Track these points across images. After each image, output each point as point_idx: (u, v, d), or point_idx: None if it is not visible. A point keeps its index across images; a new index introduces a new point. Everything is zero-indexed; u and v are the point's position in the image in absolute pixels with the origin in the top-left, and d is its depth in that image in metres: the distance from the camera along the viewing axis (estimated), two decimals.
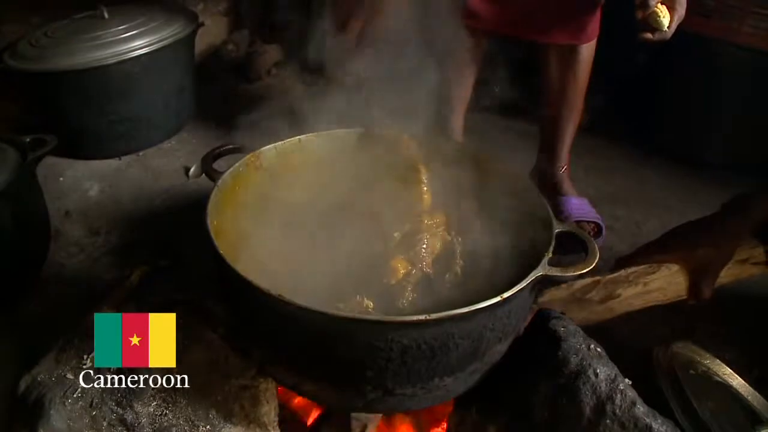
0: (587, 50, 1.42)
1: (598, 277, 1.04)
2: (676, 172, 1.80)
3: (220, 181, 0.92)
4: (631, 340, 1.14)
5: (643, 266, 1.06)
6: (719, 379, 1.03)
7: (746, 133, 1.75)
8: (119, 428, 0.87)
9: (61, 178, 1.65)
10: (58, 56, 1.55)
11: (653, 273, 1.05)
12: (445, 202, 1.02)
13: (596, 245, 0.85)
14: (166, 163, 1.73)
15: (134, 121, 1.67)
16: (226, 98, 2.08)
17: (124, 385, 0.87)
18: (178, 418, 0.88)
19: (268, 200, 1.00)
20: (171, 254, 1.31)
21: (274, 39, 2.07)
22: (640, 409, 0.80)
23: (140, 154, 1.75)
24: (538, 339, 0.89)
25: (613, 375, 0.82)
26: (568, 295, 1.03)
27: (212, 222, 0.83)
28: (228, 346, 0.91)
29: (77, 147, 1.69)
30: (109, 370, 0.88)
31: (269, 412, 0.96)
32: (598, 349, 0.86)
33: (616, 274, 1.05)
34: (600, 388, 0.81)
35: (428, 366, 0.77)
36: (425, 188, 1.03)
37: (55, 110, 1.60)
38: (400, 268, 0.89)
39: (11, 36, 1.71)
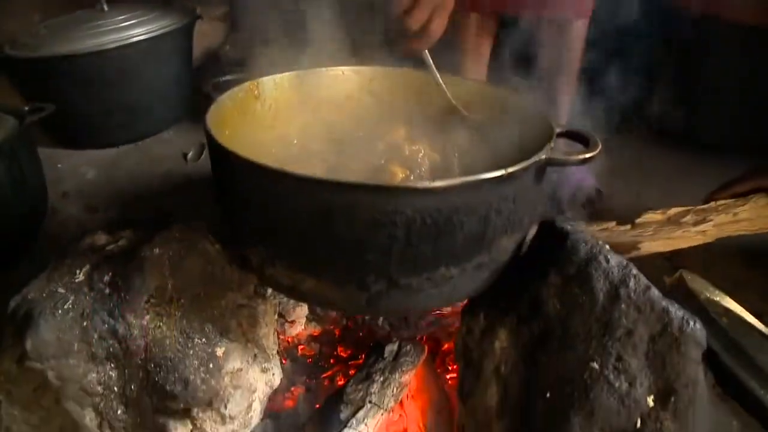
0: (581, 25, 1.46)
1: (689, 207, 1.12)
2: (673, 150, 1.80)
3: (218, 100, 0.92)
4: None
5: (731, 199, 1.13)
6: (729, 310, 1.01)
7: (740, 112, 1.77)
8: (110, 340, 0.83)
9: (59, 165, 1.65)
10: (57, 44, 1.58)
11: (742, 205, 1.12)
12: (444, 129, 1.02)
13: (597, 139, 0.84)
14: (164, 150, 1.73)
15: (133, 110, 1.69)
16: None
17: (116, 296, 0.83)
18: (172, 330, 0.84)
19: (265, 127, 0.99)
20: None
21: None
22: (655, 292, 0.77)
23: (138, 144, 1.75)
24: (545, 242, 0.86)
25: (624, 262, 0.79)
26: (664, 218, 1.10)
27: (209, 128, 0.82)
28: (225, 259, 0.88)
29: (76, 136, 1.70)
30: (101, 280, 0.84)
31: (268, 336, 0.92)
32: (607, 246, 0.83)
33: (706, 206, 1.12)
34: (612, 273, 0.78)
35: (433, 249, 0.74)
36: (425, 119, 1.03)
37: (54, 99, 1.60)
38: (399, 172, 0.88)
39: (12, 33, 1.74)
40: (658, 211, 1.12)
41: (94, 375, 0.83)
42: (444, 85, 1.01)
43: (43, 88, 1.63)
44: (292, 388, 0.99)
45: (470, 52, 1.54)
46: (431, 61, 0.98)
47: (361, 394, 0.90)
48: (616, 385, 0.76)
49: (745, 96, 1.75)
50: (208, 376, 0.83)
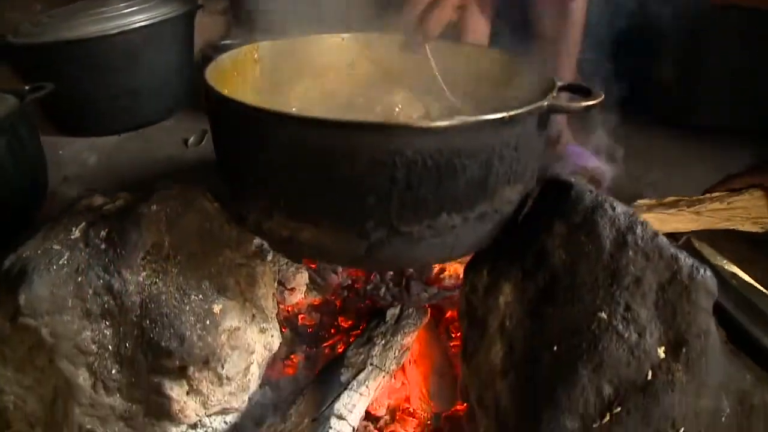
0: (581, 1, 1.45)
1: (683, 196, 1.16)
2: (672, 134, 1.79)
3: (218, 59, 0.91)
4: None
5: (727, 191, 1.16)
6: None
7: (740, 96, 1.75)
8: (105, 297, 0.81)
9: (61, 152, 1.65)
10: (59, 30, 1.59)
11: (737, 195, 1.15)
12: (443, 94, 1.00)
13: (600, 91, 0.82)
14: (165, 137, 1.73)
15: (134, 96, 1.69)
16: None
17: (112, 251, 0.81)
18: (169, 286, 0.82)
19: (263, 92, 0.99)
20: None
21: None
22: (663, 239, 0.75)
23: (140, 131, 1.75)
24: (549, 197, 0.84)
25: (631, 210, 0.77)
26: (659, 204, 1.16)
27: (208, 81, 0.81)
28: (223, 217, 0.87)
29: (78, 123, 1.70)
30: (97, 236, 0.83)
31: (267, 297, 0.90)
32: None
33: (701, 196, 1.16)
34: (619, 220, 0.76)
35: (435, 193, 0.72)
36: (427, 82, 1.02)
37: (56, 85, 1.60)
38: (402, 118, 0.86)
39: (14, 23, 1.75)
40: (653, 200, 1.16)
41: (88, 333, 0.81)
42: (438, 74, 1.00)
43: (45, 75, 1.61)
44: (292, 356, 0.96)
45: (470, 33, 1.53)
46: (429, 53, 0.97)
47: (362, 357, 0.88)
48: (626, 335, 0.73)
49: (745, 80, 1.74)
50: (204, 332, 0.81)
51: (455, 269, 1.11)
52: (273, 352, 0.91)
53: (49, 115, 1.68)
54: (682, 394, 0.72)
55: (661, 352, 0.73)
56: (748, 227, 1.13)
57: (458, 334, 0.99)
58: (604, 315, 0.74)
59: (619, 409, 0.72)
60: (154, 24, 1.61)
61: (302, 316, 1.02)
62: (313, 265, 1.07)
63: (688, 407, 0.72)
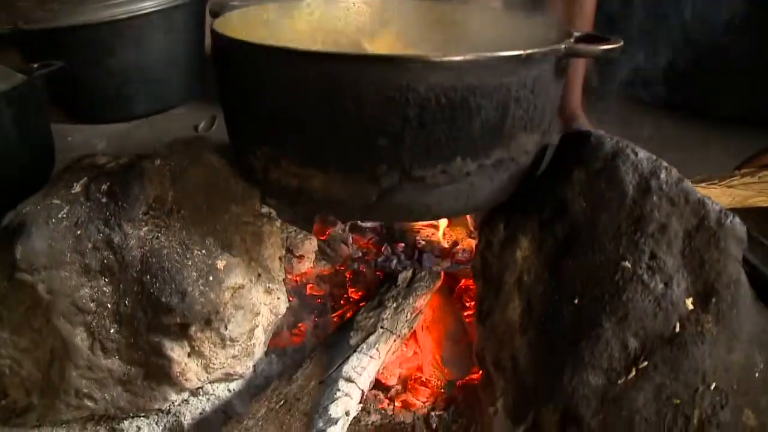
0: None
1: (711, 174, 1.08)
2: (689, 122, 1.75)
3: (227, 14, 0.89)
4: None
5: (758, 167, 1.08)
6: None
7: (754, 85, 1.72)
8: (105, 251, 0.78)
9: (69, 138, 1.63)
10: (70, 15, 1.58)
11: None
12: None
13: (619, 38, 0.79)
14: (175, 124, 1.71)
15: (144, 83, 1.67)
16: None
17: (113, 204, 0.79)
18: (171, 241, 0.79)
19: None
20: None
21: None
22: (689, 184, 0.71)
23: (149, 119, 1.74)
24: (568, 149, 0.81)
25: (654, 156, 0.73)
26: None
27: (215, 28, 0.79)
28: (230, 171, 0.84)
29: (87, 110, 1.68)
30: (99, 190, 0.80)
31: (273, 258, 0.87)
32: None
33: (728, 174, 1.08)
34: (642, 165, 0.72)
35: (449, 135, 0.69)
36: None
37: (66, 71, 1.60)
38: None
39: (25, 11, 1.74)
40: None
41: (86, 290, 0.78)
42: None
43: (54, 59, 1.62)
44: (300, 324, 0.93)
45: None
46: None
47: (372, 320, 0.84)
48: (651, 285, 0.69)
49: (762, 67, 1.70)
50: (207, 288, 0.77)
51: (468, 243, 1.07)
52: (279, 316, 0.87)
53: (59, 101, 1.67)
54: (713, 347, 0.68)
55: (689, 303, 0.69)
56: None
57: (473, 303, 0.95)
58: (627, 264, 0.70)
59: (645, 363, 0.68)
60: (164, 10, 1.61)
61: (311, 285, 0.99)
62: (322, 237, 1.04)
63: (719, 361, 0.68)
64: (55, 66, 1.27)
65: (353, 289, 1.00)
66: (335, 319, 0.94)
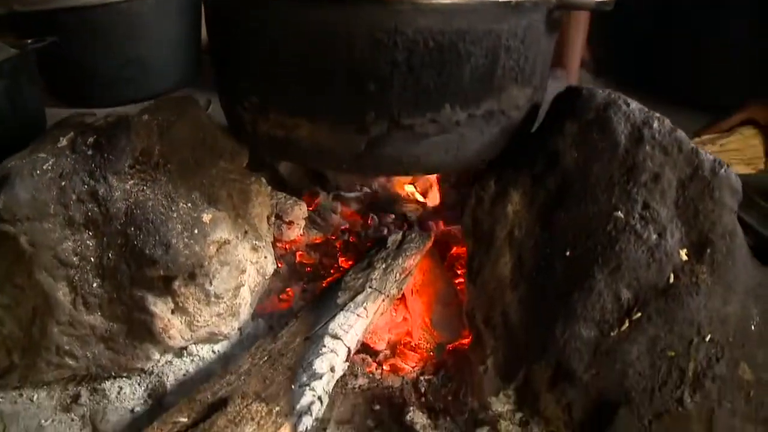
0: None
1: None
2: (681, 110, 1.73)
3: None
4: None
5: (717, 133, 1.12)
6: None
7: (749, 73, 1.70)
8: (89, 203, 0.77)
9: None
10: None
11: (728, 136, 1.11)
12: None
13: None
14: None
15: (140, 67, 1.67)
16: None
17: (99, 156, 0.77)
18: (157, 194, 0.77)
19: None
20: None
21: None
22: (682, 134, 0.70)
23: (144, 103, 1.73)
24: (560, 105, 0.80)
25: (646, 108, 0.72)
26: None
27: None
28: (218, 127, 0.83)
29: (82, 93, 1.68)
30: (85, 143, 0.79)
31: (261, 218, 0.86)
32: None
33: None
34: (634, 115, 0.71)
35: (438, 81, 0.68)
36: None
37: (61, 53, 1.60)
38: None
39: None
40: None
41: (69, 243, 0.76)
42: None
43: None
44: (288, 289, 0.91)
45: None
46: None
47: (360, 281, 0.82)
48: (644, 235, 0.68)
49: (755, 57, 1.69)
50: (191, 241, 0.76)
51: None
52: (266, 277, 0.86)
53: (53, 85, 1.67)
54: (708, 298, 0.66)
55: (683, 253, 0.68)
56: (742, 169, 1.05)
57: (463, 271, 0.93)
58: (620, 214, 0.69)
59: (639, 314, 0.66)
60: None
61: (300, 253, 0.97)
62: (311, 207, 1.03)
63: (715, 313, 0.66)
64: (47, 41, 1.26)
65: (343, 258, 0.98)
66: (324, 285, 0.92)
